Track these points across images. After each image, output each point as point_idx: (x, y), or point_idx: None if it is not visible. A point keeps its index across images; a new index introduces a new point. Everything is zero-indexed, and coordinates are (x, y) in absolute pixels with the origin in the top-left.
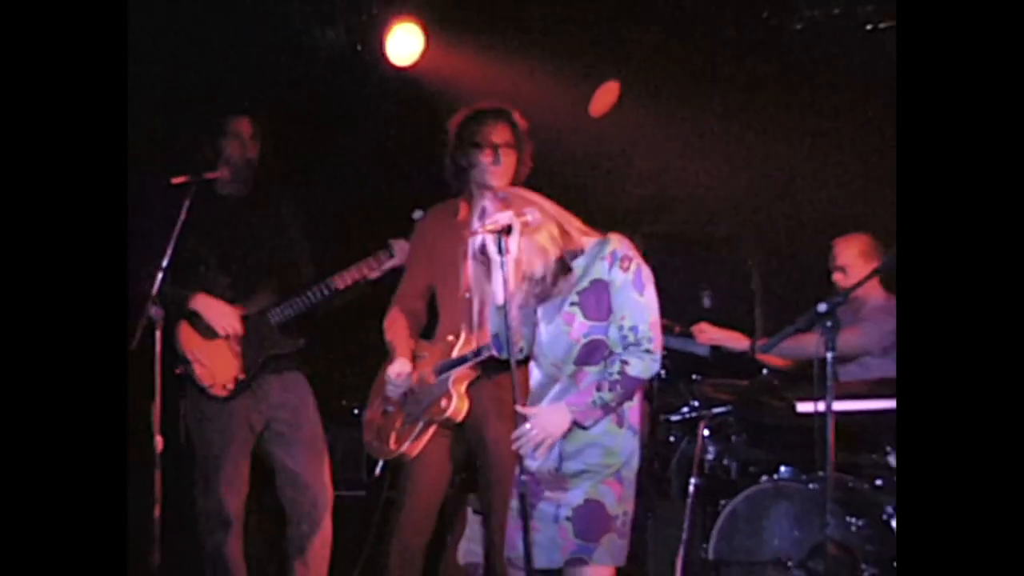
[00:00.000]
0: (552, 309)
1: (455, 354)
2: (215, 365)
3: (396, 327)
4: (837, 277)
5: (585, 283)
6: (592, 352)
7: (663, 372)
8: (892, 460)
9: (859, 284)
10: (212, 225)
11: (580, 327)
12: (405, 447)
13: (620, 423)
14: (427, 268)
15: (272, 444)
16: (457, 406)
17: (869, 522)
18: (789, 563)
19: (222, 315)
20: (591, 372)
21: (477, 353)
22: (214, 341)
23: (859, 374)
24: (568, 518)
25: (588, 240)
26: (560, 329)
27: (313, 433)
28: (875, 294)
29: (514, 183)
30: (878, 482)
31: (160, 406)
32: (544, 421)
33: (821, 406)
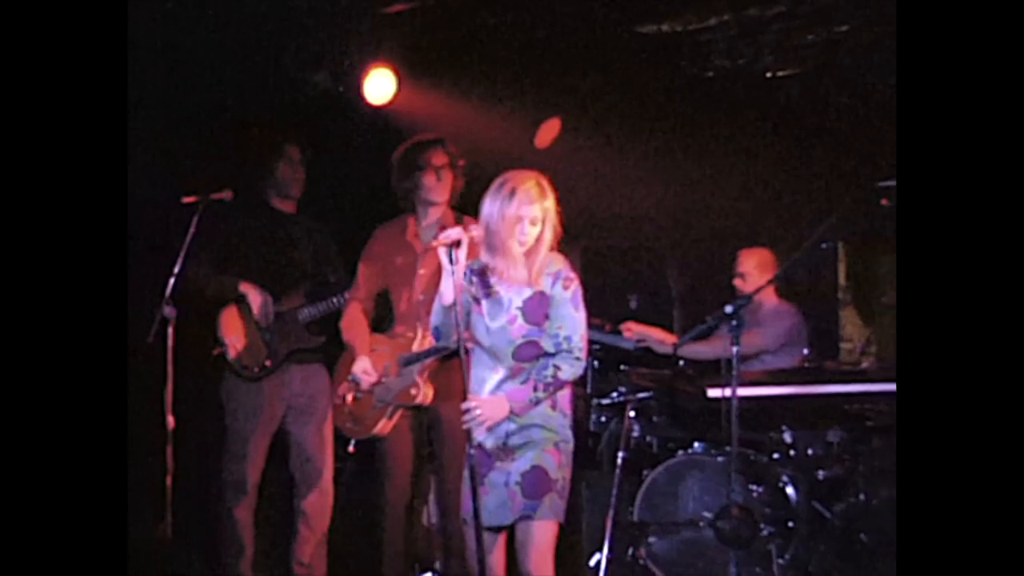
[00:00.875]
0: (499, 307)
1: (415, 348)
2: (247, 350)
3: (355, 327)
4: (737, 283)
5: (528, 293)
6: (528, 350)
7: (596, 363)
8: (787, 437)
9: (759, 290)
10: (260, 233)
11: (520, 328)
12: (378, 428)
13: (554, 407)
14: (380, 274)
15: (291, 425)
16: (425, 392)
17: (767, 489)
18: (701, 523)
19: (264, 303)
20: (526, 367)
21: (441, 348)
22: (248, 329)
23: (757, 366)
24: (517, 483)
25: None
26: (504, 327)
27: (324, 417)
28: (770, 300)
29: (451, 197)
30: (775, 456)
31: (172, 391)
32: (487, 408)
33: (727, 392)
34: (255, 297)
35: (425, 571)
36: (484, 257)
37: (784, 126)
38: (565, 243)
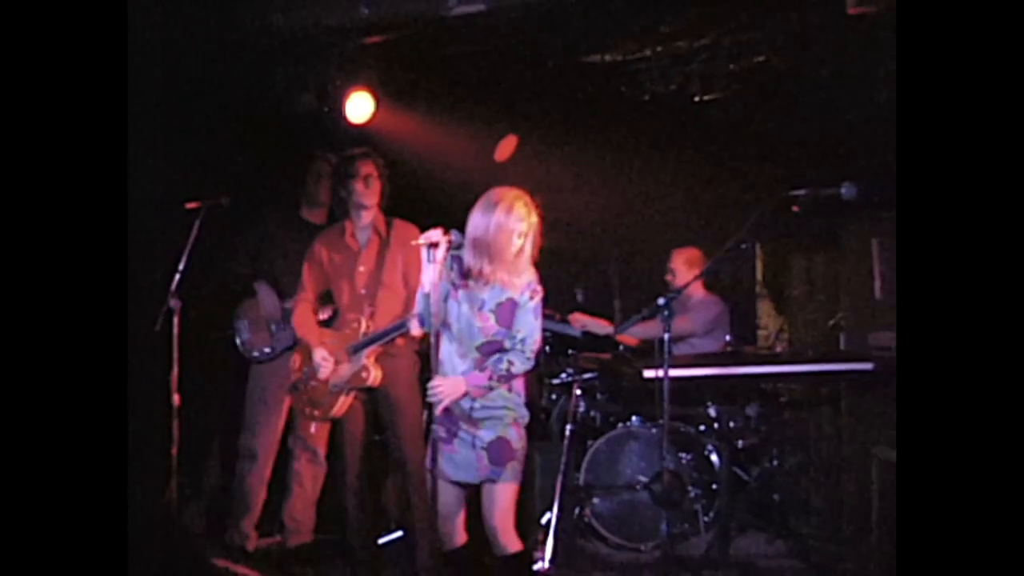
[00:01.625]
0: (474, 302)
1: (362, 336)
2: (252, 336)
3: (307, 324)
4: (669, 278)
5: (503, 297)
6: (491, 346)
7: (548, 348)
8: (711, 412)
9: (688, 284)
10: (282, 239)
11: (490, 328)
12: (335, 410)
13: (510, 390)
14: (323, 276)
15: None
16: (375, 375)
17: (694, 456)
18: (637, 486)
19: (272, 301)
20: (487, 360)
21: (396, 328)
22: (257, 320)
23: (686, 350)
24: (484, 448)
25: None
26: (473, 321)
27: None
28: (698, 292)
29: (380, 200)
30: (701, 428)
31: (177, 373)
32: (447, 387)
33: (661, 373)
34: (265, 295)
35: (394, 530)
36: (471, 260)
37: (709, 143)
38: None
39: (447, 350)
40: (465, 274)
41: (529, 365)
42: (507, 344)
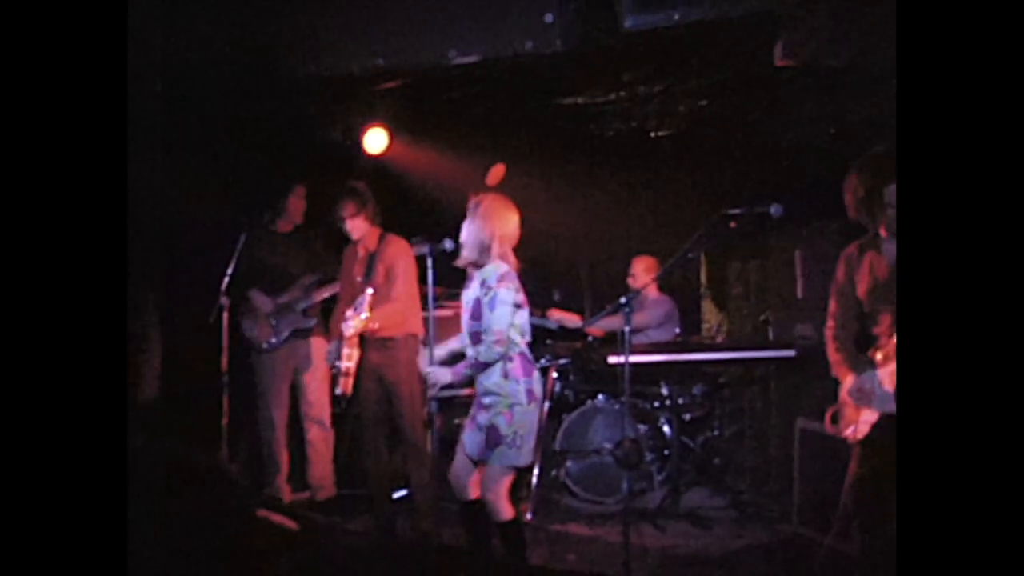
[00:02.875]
0: (468, 300)
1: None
2: (259, 332)
3: (335, 320)
4: (630, 281)
5: (478, 293)
6: (475, 339)
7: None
8: (665, 391)
9: (645, 286)
10: (265, 250)
11: (468, 324)
12: (338, 389)
13: (506, 376)
14: (343, 285)
15: (299, 380)
16: (348, 364)
17: (650, 427)
18: (603, 452)
19: (264, 303)
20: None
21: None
22: (260, 319)
23: (643, 340)
24: (483, 431)
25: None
26: (464, 318)
27: (324, 374)
28: (653, 292)
29: (369, 225)
30: (656, 404)
31: (227, 357)
32: (436, 374)
33: (622, 358)
34: (260, 300)
35: (402, 488)
36: (474, 258)
37: (662, 171)
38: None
39: (460, 341)
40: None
41: (492, 353)
42: (483, 336)
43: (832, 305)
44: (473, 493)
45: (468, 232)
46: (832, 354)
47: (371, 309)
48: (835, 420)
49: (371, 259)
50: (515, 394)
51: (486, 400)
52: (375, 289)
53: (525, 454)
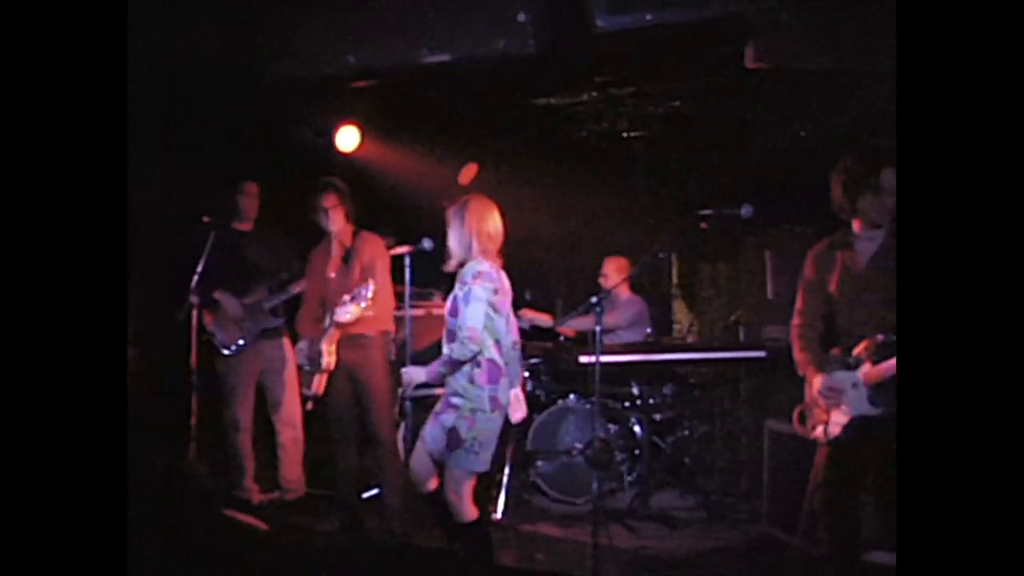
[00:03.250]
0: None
1: (324, 327)
2: (225, 335)
3: (303, 321)
4: (601, 281)
5: (453, 293)
6: (449, 335)
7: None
8: (636, 391)
9: (615, 286)
10: (227, 250)
11: (447, 321)
12: (313, 388)
13: (471, 381)
14: (313, 283)
15: (266, 381)
16: (328, 361)
17: (621, 427)
18: (574, 452)
19: (231, 305)
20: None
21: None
22: (226, 321)
23: (614, 340)
24: (447, 431)
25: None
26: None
27: (291, 375)
28: (625, 293)
29: (346, 220)
30: (627, 404)
31: (196, 356)
32: (410, 373)
33: (593, 359)
34: (227, 301)
35: (373, 486)
36: (461, 259)
37: (634, 172)
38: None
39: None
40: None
41: (465, 351)
42: (457, 333)
43: (799, 302)
44: (432, 485)
45: (454, 234)
46: (797, 353)
47: (372, 301)
48: (803, 420)
49: (347, 255)
50: (479, 400)
51: (453, 400)
52: (351, 285)
53: (483, 460)
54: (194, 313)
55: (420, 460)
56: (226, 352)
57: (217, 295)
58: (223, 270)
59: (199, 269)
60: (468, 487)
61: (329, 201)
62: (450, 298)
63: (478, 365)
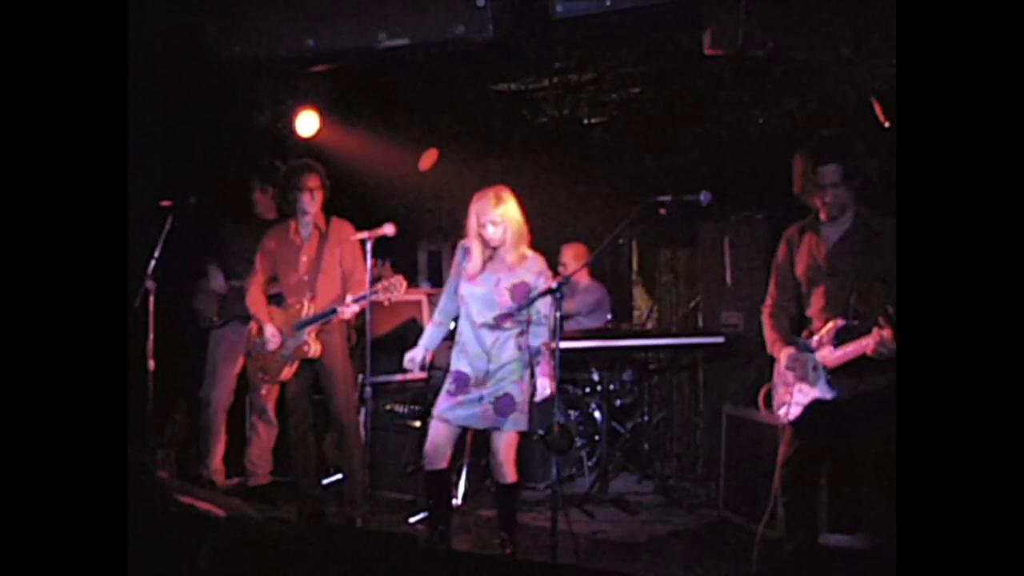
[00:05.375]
0: (490, 282)
1: (304, 315)
2: (203, 308)
3: (258, 303)
4: (561, 269)
5: (517, 280)
6: (505, 318)
7: None
8: (595, 377)
9: (574, 273)
10: (234, 233)
11: (505, 303)
12: (283, 375)
13: (519, 348)
14: (272, 263)
15: (248, 365)
16: (315, 348)
17: (581, 413)
18: (535, 437)
19: (219, 280)
20: (502, 326)
21: (331, 312)
22: (209, 294)
23: (574, 326)
24: (491, 402)
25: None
26: (494, 298)
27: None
28: (584, 279)
29: (322, 206)
30: (587, 390)
31: (153, 342)
32: (543, 384)
33: (553, 345)
34: (214, 273)
35: (333, 473)
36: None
37: (594, 158)
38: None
39: (461, 324)
40: (483, 261)
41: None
42: (532, 318)
43: (772, 284)
44: (444, 463)
45: (506, 220)
46: (768, 332)
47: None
48: (768, 402)
49: (321, 241)
50: (525, 364)
51: (499, 373)
52: (327, 274)
53: (528, 419)
54: (151, 299)
55: (443, 437)
56: (207, 326)
57: (208, 268)
58: (183, 255)
59: (156, 254)
60: (516, 449)
61: (313, 181)
62: (507, 284)
63: (523, 333)
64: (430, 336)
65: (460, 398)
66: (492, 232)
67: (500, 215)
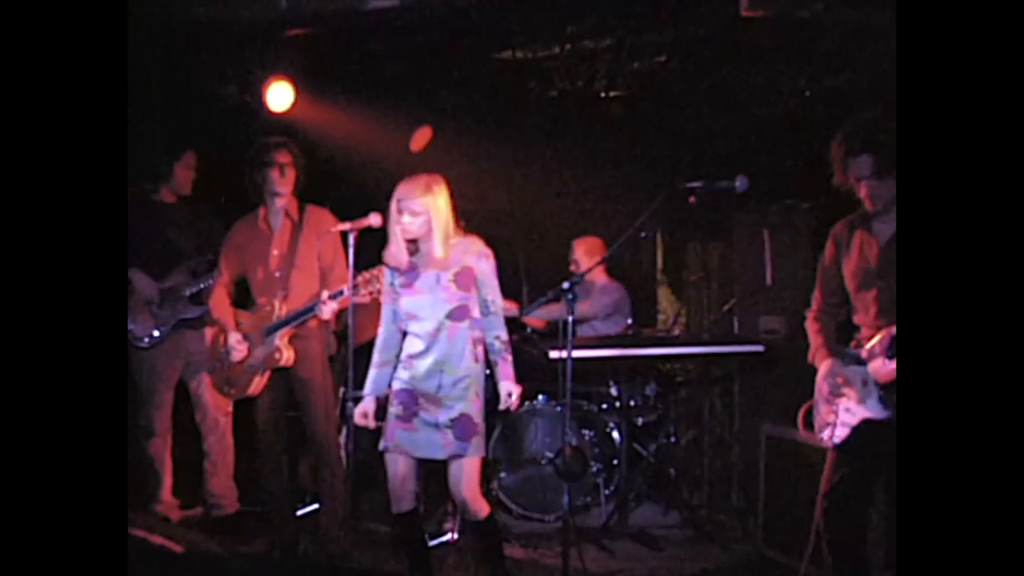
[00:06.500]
0: (433, 277)
1: (276, 317)
2: (136, 324)
3: (222, 306)
4: (572, 267)
5: (458, 268)
6: (459, 313)
7: None
8: (613, 391)
9: (589, 270)
10: (144, 222)
11: (455, 297)
12: (251, 389)
13: (476, 360)
14: (238, 261)
15: (189, 379)
16: (287, 355)
17: (597, 433)
18: (542, 461)
19: (145, 286)
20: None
21: (307, 311)
22: (136, 306)
23: (589, 332)
24: (447, 426)
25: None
26: (438, 295)
27: None
28: (601, 278)
29: (294, 188)
30: (603, 406)
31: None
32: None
33: (564, 353)
34: (140, 281)
35: (310, 501)
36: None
37: (612, 137)
38: None
39: (408, 340)
40: (407, 257)
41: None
42: (477, 310)
43: (817, 286)
44: (408, 504)
45: (428, 211)
46: (813, 336)
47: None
48: (808, 422)
49: (295, 231)
50: (481, 380)
51: (453, 392)
52: (301, 269)
53: (484, 441)
54: None
55: (402, 474)
56: (139, 345)
57: (131, 274)
58: (143, 248)
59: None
60: (479, 475)
61: (283, 156)
62: (451, 274)
63: (479, 342)
64: (375, 381)
65: (414, 422)
66: (408, 222)
67: (423, 205)
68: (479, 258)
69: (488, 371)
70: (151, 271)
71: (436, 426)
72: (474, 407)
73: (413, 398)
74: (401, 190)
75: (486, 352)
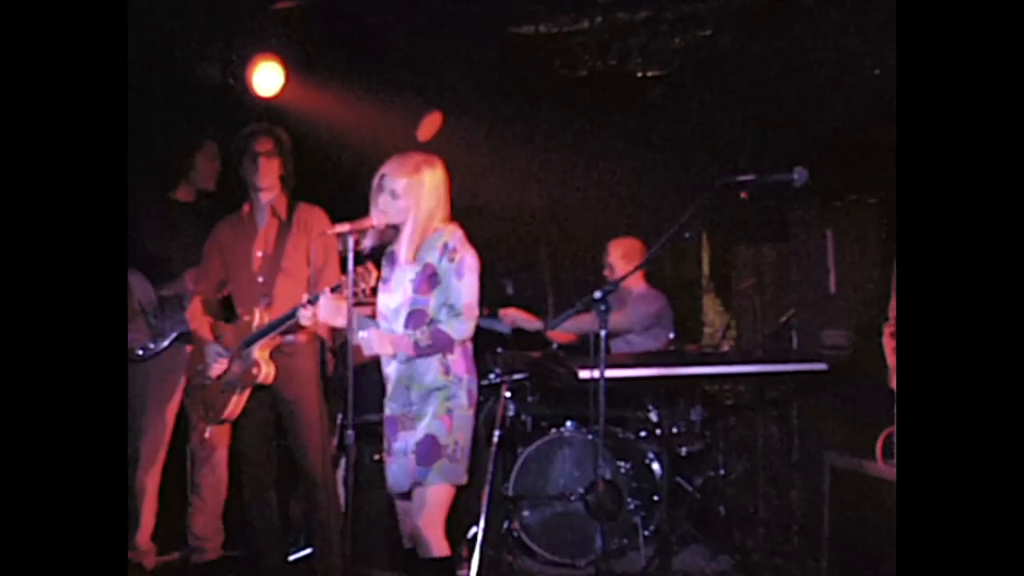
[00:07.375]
0: (401, 277)
1: (255, 327)
2: (134, 335)
3: (198, 318)
4: (606, 272)
5: (420, 266)
6: (415, 318)
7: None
8: (653, 416)
9: (626, 276)
10: (147, 222)
11: (410, 301)
12: (228, 412)
13: (447, 372)
14: (222, 265)
15: (187, 401)
16: (267, 371)
17: (634, 464)
18: (571, 497)
19: (143, 290)
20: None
21: (286, 318)
22: (135, 313)
23: (624, 348)
24: (413, 451)
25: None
26: (399, 301)
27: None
28: (639, 286)
29: (281, 181)
30: (641, 433)
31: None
32: (373, 339)
33: (596, 373)
34: (137, 284)
35: (303, 545)
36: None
37: (651, 124)
38: None
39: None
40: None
41: (467, 330)
42: (437, 314)
43: (893, 299)
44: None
45: (409, 197)
46: (891, 357)
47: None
48: (888, 452)
49: (282, 231)
50: (456, 395)
51: (413, 410)
52: (288, 274)
53: (464, 470)
54: None
55: (401, 509)
56: (131, 358)
57: (129, 276)
58: (145, 252)
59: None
60: (447, 509)
61: (264, 145)
62: (413, 273)
63: (450, 352)
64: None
65: (393, 452)
66: (384, 204)
67: (405, 188)
68: (442, 253)
69: (480, 384)
70: (157, 278)
71: (405, 453)
72: (442, 426)
73: (394, 425)
74: (388, 165)
75: (466, 362)
